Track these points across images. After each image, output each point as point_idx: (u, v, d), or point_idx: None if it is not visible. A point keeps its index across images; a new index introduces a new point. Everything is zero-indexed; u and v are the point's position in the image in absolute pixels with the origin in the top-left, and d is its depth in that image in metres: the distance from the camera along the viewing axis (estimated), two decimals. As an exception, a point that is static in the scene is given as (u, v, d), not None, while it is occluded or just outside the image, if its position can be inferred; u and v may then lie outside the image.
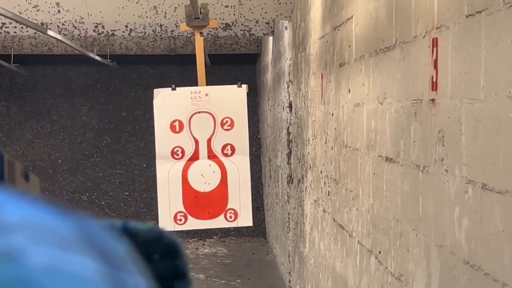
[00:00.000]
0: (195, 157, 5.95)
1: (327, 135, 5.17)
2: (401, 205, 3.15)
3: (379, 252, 3.55)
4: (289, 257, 8.30)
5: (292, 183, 7.80)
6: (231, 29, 8.96)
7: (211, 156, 5.96)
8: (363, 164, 3.93)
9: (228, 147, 5.97)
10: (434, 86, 2.64)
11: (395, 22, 3.24)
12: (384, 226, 3.44)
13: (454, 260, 2.44)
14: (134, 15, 7.37)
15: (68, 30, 8.53)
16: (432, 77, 2.66)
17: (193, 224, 6.07)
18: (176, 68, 12.95)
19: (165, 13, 7.42)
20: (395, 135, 3.24)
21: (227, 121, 5.96)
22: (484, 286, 2.19)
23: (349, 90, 4.28)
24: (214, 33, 9.29)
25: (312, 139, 6.02)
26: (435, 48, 2.64)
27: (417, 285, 2.90)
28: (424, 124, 2.78)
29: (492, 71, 2.13)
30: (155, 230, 0.47)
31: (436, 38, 2.63)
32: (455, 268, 2.44)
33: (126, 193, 13.01)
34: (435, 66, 2.63)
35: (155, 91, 5.97)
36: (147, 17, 7.39)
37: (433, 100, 2.66)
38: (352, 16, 4.18)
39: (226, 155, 5.98)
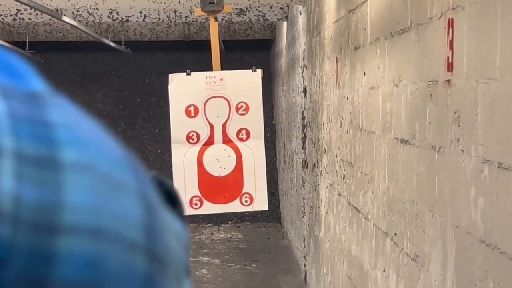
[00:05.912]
0: (210, 141, 5.97)
1: (342, 118, 5.17)
2: (416, 186, 3.15)
3: (395, 234, 3.56)
4: (304, 241, 8.32)
5: (307, 167, 7.81)
6: (245, 15, 8.96)
7: (226, 140, 5.98)
8: (378, 147, 3.94)
9: (243, 131, 5.99)
10: (450, 66, 2.65)
11: (410, 4, 3.24)
12: (400, 208, 3.45)
13: (470, 239, 2.45)
14: (148, 0, 7.38)
15: (83, 16, 8.55)
16: (448, 58, 2.67)
17: (209, 208, 6.10)
18: (190, 54, 12.97)
19: (180, -2, 7.43)
20: (410, 117, 3.24)
21: (242, 106, 5.98)
22: (500, 265, 2.20)
23: (364, 73, 4.29)
24: (228, 18, 9.29)
25: (327, 123, 6.03)
26: (450, 29, 2.64)
27: (433, 265, 2.91)
28: (440, 105, 2.78)
29: (508, 50, 2.14)
30: (158, 177, 0.51)
31: (452, 19, 2.63)
32: (471, 248, 2.45)
33: (141, 179, 13.04)
34: (451, 47, 2.63)
35: (170, 76, 6.00)
36: (161, 2, 7.41)
37: (448, 81, 2.67)
38: (367, -1, 4.17)
39: (241, 139, 5.99)
